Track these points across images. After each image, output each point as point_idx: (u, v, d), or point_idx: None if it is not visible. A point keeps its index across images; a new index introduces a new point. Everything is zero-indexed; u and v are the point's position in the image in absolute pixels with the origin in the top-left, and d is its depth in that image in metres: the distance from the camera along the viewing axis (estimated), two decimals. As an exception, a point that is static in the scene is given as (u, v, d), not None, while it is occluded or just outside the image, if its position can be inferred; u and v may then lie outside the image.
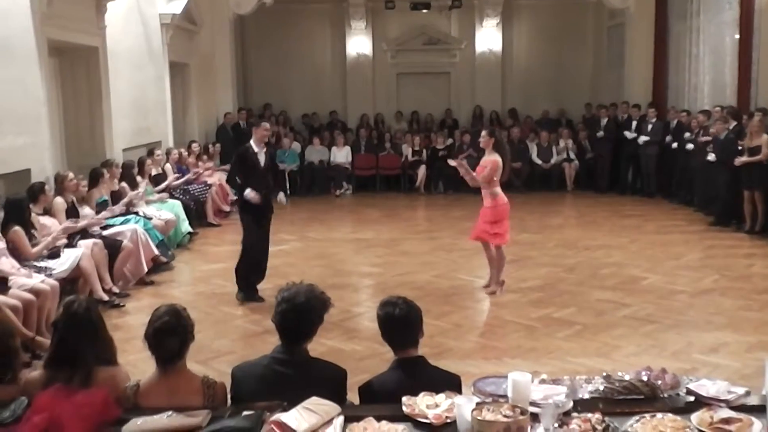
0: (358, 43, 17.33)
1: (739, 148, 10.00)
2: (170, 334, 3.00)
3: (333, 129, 16.14)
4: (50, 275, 6.29)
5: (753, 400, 2.83)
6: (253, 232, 7.24)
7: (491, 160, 7.13)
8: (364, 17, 17.09)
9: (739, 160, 9.79)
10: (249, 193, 7.03)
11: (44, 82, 8.02)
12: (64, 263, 6.64)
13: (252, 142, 7.21)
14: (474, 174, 7.30)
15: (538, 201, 13.46)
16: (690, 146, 11.84)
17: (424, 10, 16.60)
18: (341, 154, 15.19)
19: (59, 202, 7.38)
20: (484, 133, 7.38)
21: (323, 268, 8.69)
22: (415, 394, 2.88)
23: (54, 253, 6.66)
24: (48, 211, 7.19)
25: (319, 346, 5.26)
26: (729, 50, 11.93)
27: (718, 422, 2.59)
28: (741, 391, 2.86)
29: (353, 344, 6.00)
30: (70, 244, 7.01)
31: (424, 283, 7.79)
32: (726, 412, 2.66)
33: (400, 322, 3.27)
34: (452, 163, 7.71)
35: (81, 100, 9.49)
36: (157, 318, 3.05)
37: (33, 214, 6.81)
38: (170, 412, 2.82)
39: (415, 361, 3.27)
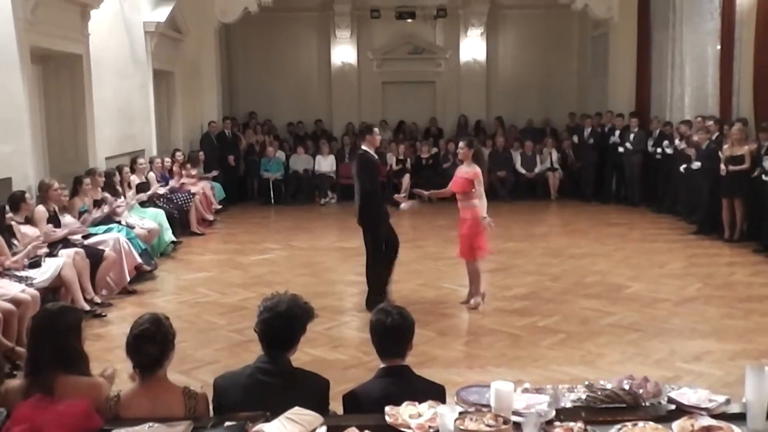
0: (343, 52, 17.38)
1: (721, 157, 10.10)
2: (149, 342, 2.97)
3: (318, 138, 16.14)
4: (31, 285, 6.23)
5: (733, 408, 2.84)
6: (387, 244, 7.18)
7: (473, 171, 7.00)
8: (350, 26, 17.15)
9: (725, 170, 9.85)
10: (405, 205, 7.10)
11: (27, 89, 7.97)
12: (45, 272, 6.58)
13: (366, 147, 7.12)
14: (439, 191, 7.29)
15: (523, 210, 13.53)
16: (669, 150, 11.97)
17: (410, 20, 16.69)
18: (326, 163, 15.19)
19: (41, 210, 7.31)
20: (462, 144, 7.23)
21: (308, 277, 8.68)
22: (398, 403, 2.87)
23: (35, 263, 6.59)
24: (29, 220, 7.13)
25: (303, 356, 5.24)
26: (711, 60, 12.04)
27: (699, 430, 2.60)
28: (721, 399, 2.87)
29: (338, 353, 5.99)
30: (52, 254, 6.95)
31: (409, 292, 7.78)
32: (707, 420, 2.67)
33: (390, 331, 3.25)
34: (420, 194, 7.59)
35: (64, 107, 9.43)
36: (138, 326, 3.03)
37: (14, 223, 6.75)
38: (151, 423, 2.79)
39: (399, 370, 3.26)
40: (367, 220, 7.14)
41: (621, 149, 13.56)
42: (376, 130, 7.30)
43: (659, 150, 12.72)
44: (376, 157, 7.30)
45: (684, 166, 11.18)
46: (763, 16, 10.19)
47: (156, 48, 12.43)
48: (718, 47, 11.54)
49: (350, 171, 15.21)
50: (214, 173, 13.34)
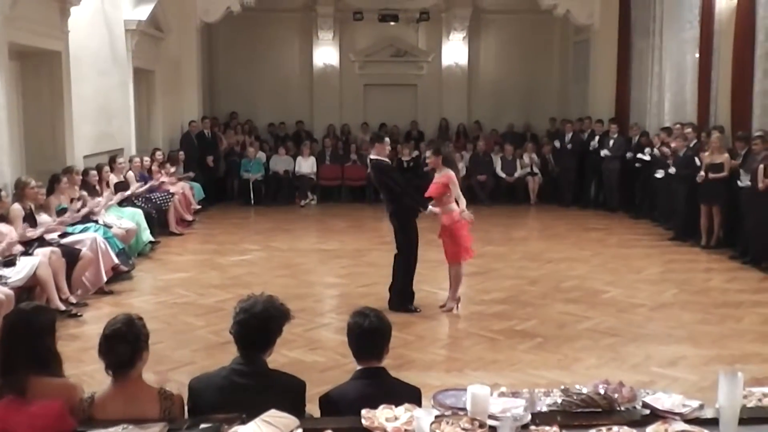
0: (326, 54, 17.37)
1: (698, 164, 10.21)
2: (120, 342, 2.94)
3: (299, 139, 16.11)
4: (5, 284, 6.16)
5: (707, 414, 2.86)
6: (416, 243, 7.30)
7: (445, 175, 6.98)
8: (332, 28, 17.14)
9: (702, 177, 9.97)
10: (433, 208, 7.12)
11: (4, 86, 7.88)
12: (20, 272, 6.50)
13: (374, 155, 7.29)
14: (435, 209, 7.12)
15: (503, 214, 13.58)
16: (647, 157, 12.07)
17: (392, 22, 16.72)
18: (306, 164, 15.16)
19: (16, 208, 7.22)
20: (428, 153, 7.24)
21: (287, 279, 8.65)
22: (375, 405, 2.87)
23: (10, 262, 6.52)
24: (5, 218, 7.04)
25: (280, 357, 5.23)
26: (690, 68, 12.17)
27: (673, 435, 2.63)
28: (695, 404, 2.89)
29: (315, 355, 5.97)
30: (27, 252, 6.87)
31: (388, 295, 7.77)
32: (680, 425, 2.69)
33: (367, 334, 3.26)
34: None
35: (43, 105, 9.31)
36: (110, 326, 3.00)
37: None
38: (126, 425, 2.77)
39: (376, 373, 3.27)
40: (402, 220, 7.26)
41: (604, 152, 13.63)
42: (387, 140, 7.50)
43: (638, 156, 12.80)
44: (387, 160, 7.46)
45: (661, 172, 11.26)
46: (740, 25, 10.32)
47: (137, 46, 12.34)
48: (697, 55, 11.68)
49: (332, 173, 15.39)
50: (188, 176, 13.25)
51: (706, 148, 10.26)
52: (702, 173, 9.99)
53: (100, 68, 10.97)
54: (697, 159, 10.40)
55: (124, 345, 2.95)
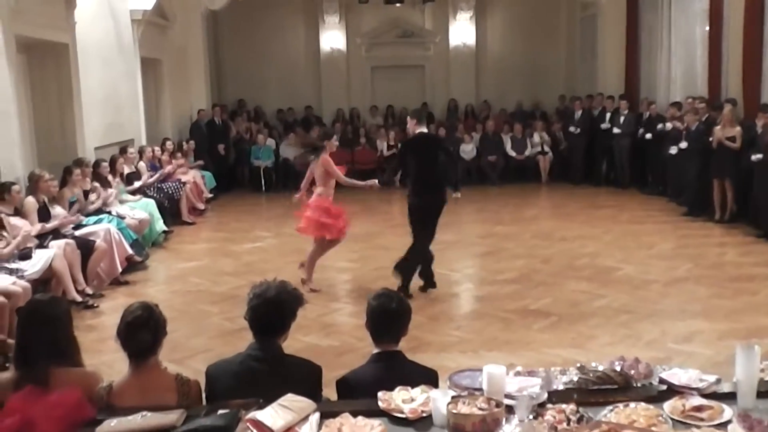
0: (332, 38, 17.30)
1: (710, 139, 10.12)
2: (142, 328, 2.98)
3: (308, 124, 16.07)
4: (22, 277, 6.20)
5: (724, 388, 2.85)
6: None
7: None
8: (338, 11, 17.07)
9: (717, 139, 9.86)
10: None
11: (13, 79, 7.89)
12: (35, 264, 6.54)
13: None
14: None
15: (513, 193, 13.57)
16: (668, 126, 11.91)
17: (398, 4, 16.62)
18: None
19: (30, 201, 7.25)
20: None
21: (300, 264, 8.66)
22: (391, 388, 2.88)
23: (25, 254, 6.56)
24: (19, 212, 7.08)
25: (295, 342, 5.24)
26: (699, 41, 12.05)
27: (690, 410, 2.61)
28: (712, 379, 2.89)
29: (330, 340, 6.00)
30: (42, 245, 6.91)
31: (400, 277, 7.79)
32: (698, 400, 2.68)
33: (393, 316, 3.27)
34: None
35: (51, 97, 9.34)
36: (129, 313, 3.03)
37: (3, 215, 6.69)
38: (144, 412, 2.79)
39: (392, 356, 3.28)
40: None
41: (615, 130, 13.50)
42: None
43: (649, 133, 12.63)
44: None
45: (674, 148, 11.15)
46: (751, -5, 10.21)
47: (143, 36, 12.32)
48: (707, 28, 11.55)
49: (341, 157, 15.29)
50: (199, 164, 13.26)
51: (719, 120, 10.17)
52: (715, 137, 9.87)
53: (107, 59, 10.97)
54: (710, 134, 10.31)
55: (146, 331, 2.99)
